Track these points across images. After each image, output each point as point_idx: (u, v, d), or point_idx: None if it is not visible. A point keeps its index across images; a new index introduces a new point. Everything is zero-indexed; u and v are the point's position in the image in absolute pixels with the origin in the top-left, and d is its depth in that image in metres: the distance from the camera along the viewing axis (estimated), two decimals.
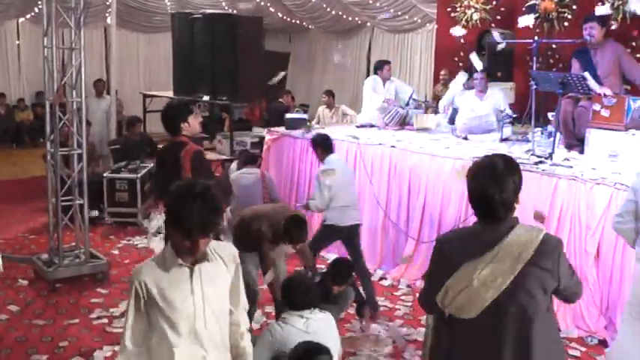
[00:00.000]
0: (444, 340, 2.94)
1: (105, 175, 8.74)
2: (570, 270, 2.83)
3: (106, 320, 5.78)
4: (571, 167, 5.91)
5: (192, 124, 4.92)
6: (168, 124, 4.95)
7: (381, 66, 8.92)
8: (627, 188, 5.26)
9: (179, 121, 4.87)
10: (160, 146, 5.56)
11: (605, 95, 6.07)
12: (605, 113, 6.01)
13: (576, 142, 6.59)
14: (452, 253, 2.80)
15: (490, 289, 2.68)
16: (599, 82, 6.30)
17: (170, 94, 11.17)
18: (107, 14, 13.22)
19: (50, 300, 6.18)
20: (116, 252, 7.64)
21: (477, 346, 2.79)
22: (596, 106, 6.09)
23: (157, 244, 7.76)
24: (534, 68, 6.97)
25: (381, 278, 6.76)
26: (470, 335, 2.80)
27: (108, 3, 11.99)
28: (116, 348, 5.21)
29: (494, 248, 2.70)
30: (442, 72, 10.61)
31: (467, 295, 2.71)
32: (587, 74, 6.15)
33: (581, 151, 6.35)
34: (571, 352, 5.33)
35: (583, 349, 5.39)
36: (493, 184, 2.70)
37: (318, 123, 9.96)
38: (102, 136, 10.79)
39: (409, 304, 6.23)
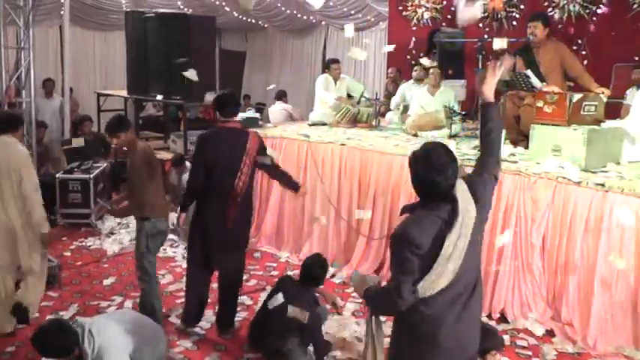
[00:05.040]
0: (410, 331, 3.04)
1: (57, 176, 8.60)
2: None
3: None
4: (516, 162, 6.04)
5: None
6: (229, 108, 5.30)
7: (328, 65, 8.99)
8: (569, 182, 5.43)
9: (239, 108, 5.46)
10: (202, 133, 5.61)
11: (548, 92, 6.21)
12: (548, 109, 6.15)
13: (522, 138, 6.73)
14: (424, 239, 2.86)
15: (457, 251, 2.87)
16: (542, 80, 6.47)
17: (124, 93, 11.10)
18: (62, 12, 13.02)
19: None
20: (68, 254, 7.55)
21: (448, 311, 2.96)
22: (540, 103, 6.23)
23: (110, 246, 7.77)
24: (480, 66, 7.12)
25: (332, 275, 6.79)
26: (440, 306, 2.95)
27: (62, 1, 11.81)
28: None
29: (459, 217, 2.87)
30: (389, 70, 10.76)
31: (441, 268, 2.87)
32: (529, 72, 6.30)
33: (527, 147, 6.49)
34: (519, 342, 5.46)
35: (531, 339, 5.51)
36: (439, 172, 2.91)
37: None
38: (53, 136, 10.64)
39: (360, 300, 6.19)
